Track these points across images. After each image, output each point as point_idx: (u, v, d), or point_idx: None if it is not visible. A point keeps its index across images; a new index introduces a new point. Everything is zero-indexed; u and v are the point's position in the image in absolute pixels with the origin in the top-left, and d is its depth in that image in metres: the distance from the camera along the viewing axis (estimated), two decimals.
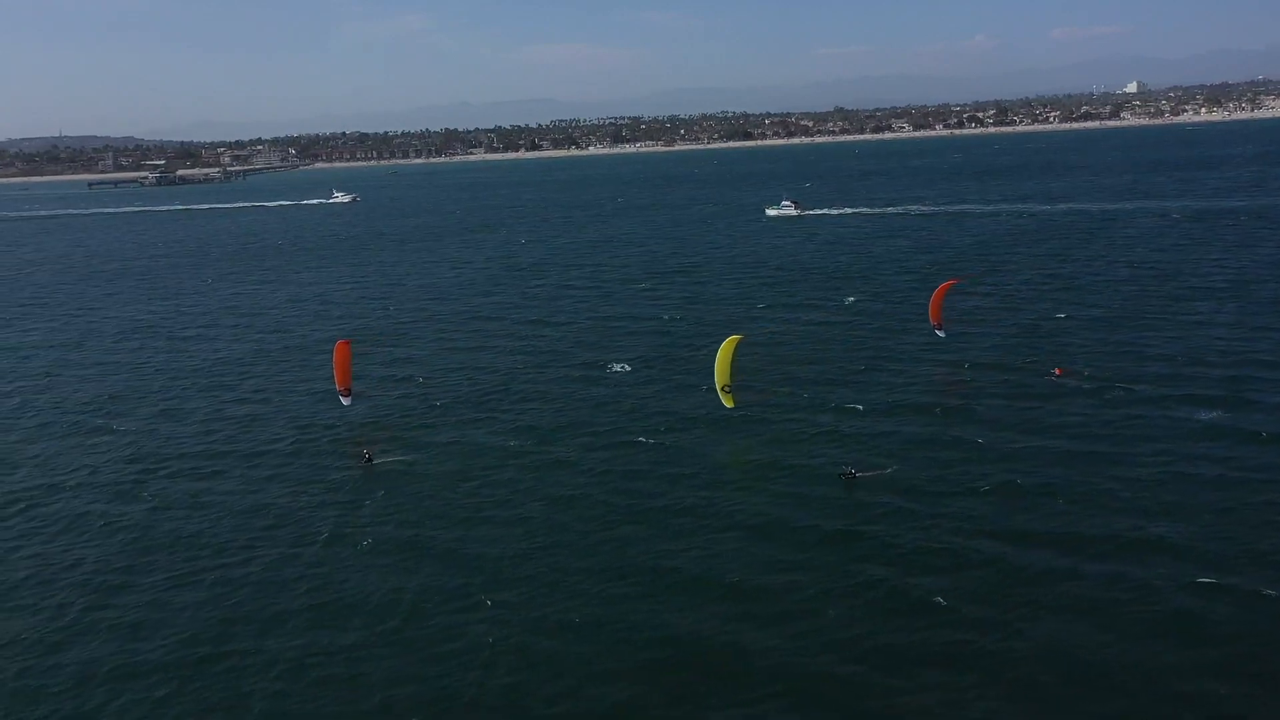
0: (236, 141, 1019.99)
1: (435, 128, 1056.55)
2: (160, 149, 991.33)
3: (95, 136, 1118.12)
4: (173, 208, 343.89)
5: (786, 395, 65.68)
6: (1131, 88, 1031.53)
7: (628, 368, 76.44)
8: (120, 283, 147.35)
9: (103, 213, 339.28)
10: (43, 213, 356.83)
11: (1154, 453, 52.38)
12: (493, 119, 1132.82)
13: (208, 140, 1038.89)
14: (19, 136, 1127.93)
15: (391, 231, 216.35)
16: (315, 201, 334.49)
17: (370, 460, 57.36)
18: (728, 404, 60.01)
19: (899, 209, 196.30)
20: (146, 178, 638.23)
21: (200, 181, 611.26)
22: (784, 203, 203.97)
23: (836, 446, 55.93)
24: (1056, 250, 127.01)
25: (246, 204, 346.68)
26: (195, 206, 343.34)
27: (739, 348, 60.15)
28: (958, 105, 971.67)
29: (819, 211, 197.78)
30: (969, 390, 65.43)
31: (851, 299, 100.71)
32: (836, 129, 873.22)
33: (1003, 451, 53.53)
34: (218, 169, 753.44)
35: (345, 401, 65.45)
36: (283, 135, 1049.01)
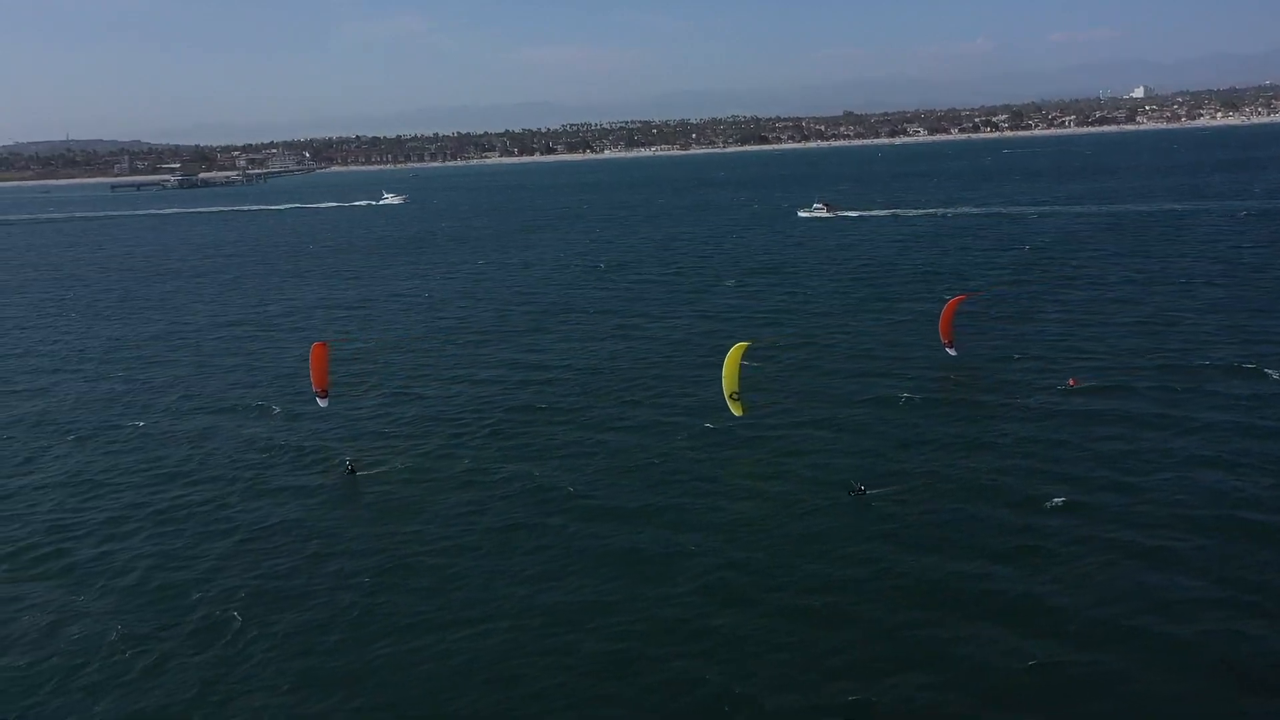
0: (249, 145, 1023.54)
1: (434, 130, 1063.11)
2: (174, 152, 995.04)
3: (102, 140, 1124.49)
4: (215, 209, 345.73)
5: (796, 405, 64.35)
6: (1139, 92, 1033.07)
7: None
8: (269, 278, 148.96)
9: (151, 214, 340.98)
10: (82, 215, 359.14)
11: (1179, 464, 50.93)
12: (493, 122, 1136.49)
13: (211, 143, 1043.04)
14: (26, 140, 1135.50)
15: (456, 233, 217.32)
16: (364, 203, 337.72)
17: (353, 470, 56.34)
18: (736, 412, 58.19)
19: (952, 210, 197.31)
20: (169, 181, 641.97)
21: (222, 184, 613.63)
22: (815, 205, 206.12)
23: (847, 459, 54.39)
24: (1137, 247, 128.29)
25: (293, 205, 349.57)
26: (241, 208, 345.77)
27: (746, 353, 58.76)
28: (967, 109, 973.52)
29: (854, 213, 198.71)
30: (991, 402, 63.66)
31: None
32: (850, 133, 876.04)
33: (1020, 468, 51.72)
34: (236, 172, 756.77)
35: (322, 404, 63.98)
36: (286, 138, 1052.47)
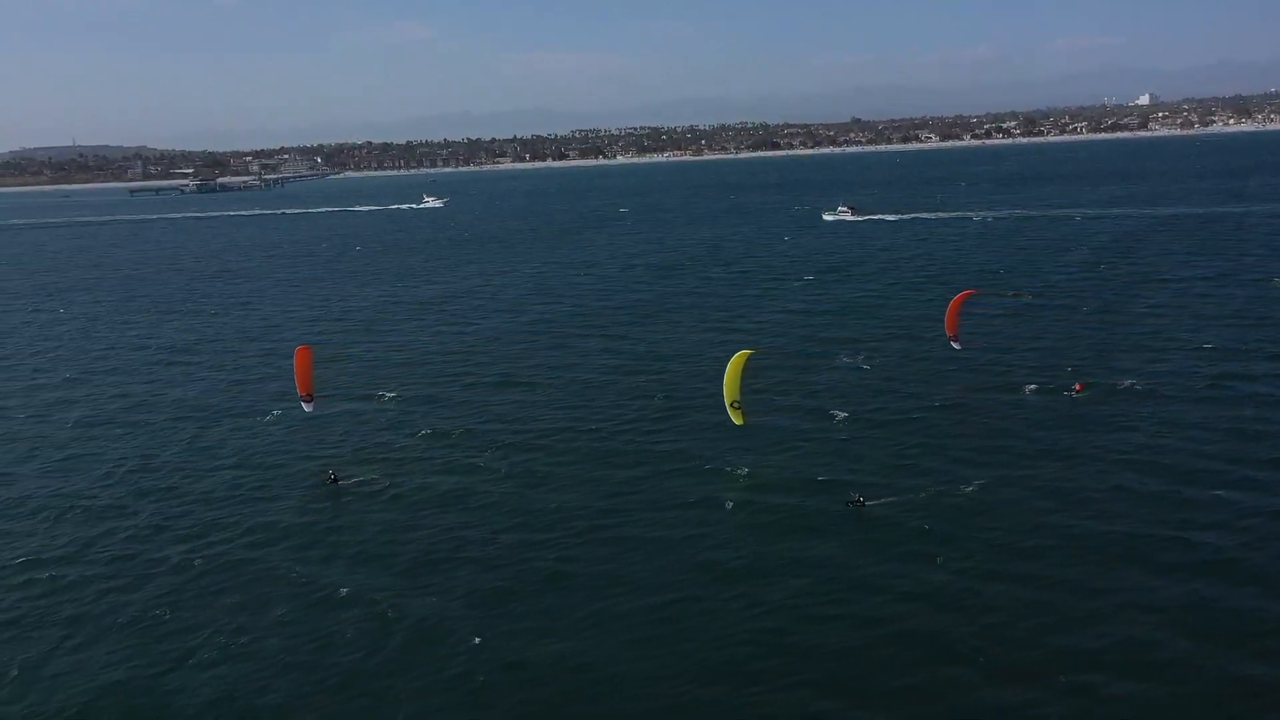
0: (261, 150, 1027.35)
1: (441, 137, 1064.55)
2: (186, 157, 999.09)
3: (109, 145, 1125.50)
4: (252, 213, 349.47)
5: (795, 414, 63.95)
6: (1145, 99, 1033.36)
7: (854, 360, 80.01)
8: (342, 277, 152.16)
9: (186, 217, 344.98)
10: (118, 217, 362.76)
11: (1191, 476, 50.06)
12: (496, 128, 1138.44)
13: (216, 148, 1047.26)
14: (34, 145, 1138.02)
15: (501, 234, 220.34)
16: (405, 206, 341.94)
17: (336, 480, 55.31)
18: (737, 421, 56.82)
19: (991, 213, 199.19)
20: (187, 185, 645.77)
21: (240, 189, 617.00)
22: (840, 208, 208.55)
23: (845, 469, 53.67)
24: (1202, 247, 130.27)
25: (334, 208, 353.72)
26: (279, 211, 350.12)
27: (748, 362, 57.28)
28: (976, 115, 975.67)
29: (893, 217, 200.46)
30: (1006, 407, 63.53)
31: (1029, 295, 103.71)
32: (863, 139, 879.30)
33: (1018, 477, 50.96)
34: (252, 176, 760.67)
35: (307, 408, 62.46)
36: (287, 144, 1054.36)
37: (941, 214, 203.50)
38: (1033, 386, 66.75)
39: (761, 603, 39.80)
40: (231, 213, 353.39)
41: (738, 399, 56.50)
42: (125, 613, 41.84)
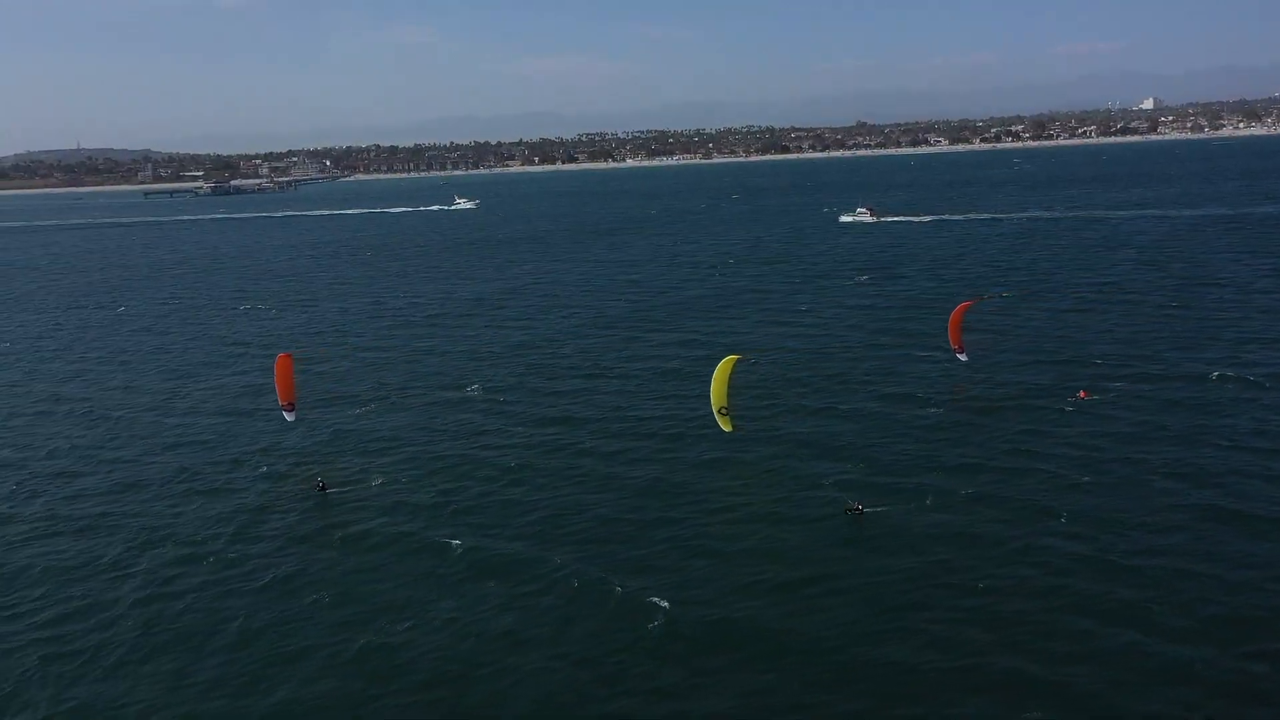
0: (270, 152, 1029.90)
1: (449, 140, 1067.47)
2: (195, 160, 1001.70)
3: (113, 148, 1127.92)
4: (282, 214, 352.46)
5: (791, 418, 62.70)
6: (1149, 104, 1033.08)
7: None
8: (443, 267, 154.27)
9: (213, 218, 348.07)
10: (150, 218, 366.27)
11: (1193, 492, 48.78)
12: (499, 132, 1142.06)
13: (220, 151, 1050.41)
14: (39, 149, 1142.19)
15: (537, 234, 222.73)
16: (436, 207, 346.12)
17: (324, 489, 54.22)
18: (725, 428, 55.51)
19: (1022, 214, 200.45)
20: (201, 187, 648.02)
21: (254, 191, 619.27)
22: (859, 210, 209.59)
23: (844, 476, 52.44)
24: (1254, 246, 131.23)
25: (360, 210, 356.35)
26: (306, 213, 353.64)
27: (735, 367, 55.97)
28: (984, 119, 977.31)
29: (898, 219, 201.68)
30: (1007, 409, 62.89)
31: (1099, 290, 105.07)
32: (871, 143, 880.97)
33: (1022, 485, 50.25)
34: (265, 179, 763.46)
35: (289, 418, 61.69)
36: (289, 147, 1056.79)
37: (971, 215, 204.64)
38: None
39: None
40: (263, 215, 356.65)
41: (725, 405, 55.10)
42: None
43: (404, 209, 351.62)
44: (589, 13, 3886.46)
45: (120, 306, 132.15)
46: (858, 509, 47.34)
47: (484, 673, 36.00)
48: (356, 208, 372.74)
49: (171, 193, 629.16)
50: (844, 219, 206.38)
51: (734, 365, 55.31)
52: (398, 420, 67.76)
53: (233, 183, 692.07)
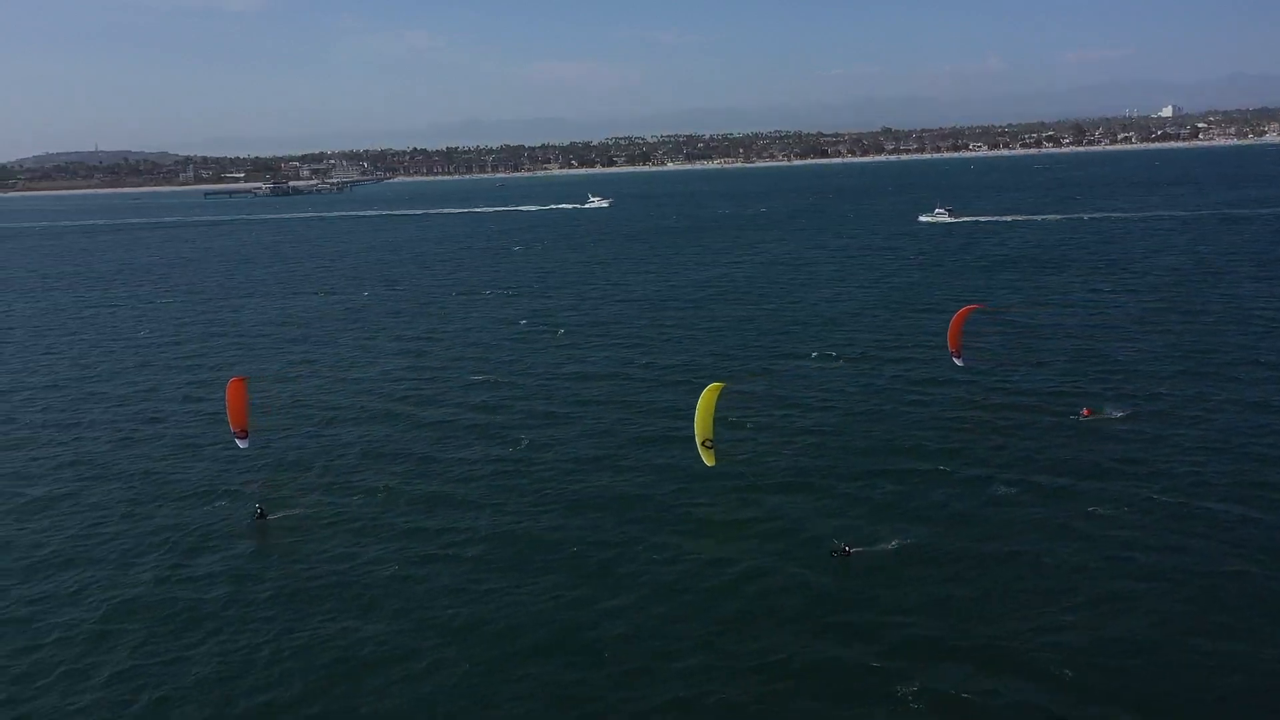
0: (308, 154, 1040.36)
1: (445, 144, 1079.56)
2: (235, 163, 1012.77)
3: (130, 151, 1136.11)
4: (376, 213, 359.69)
5: (777, 448, 58.47)
6: (1167, 111, 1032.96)
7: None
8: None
9: (302, 217, 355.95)
10: (235, 218, 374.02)
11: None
12: (503, 137, 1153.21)
13: (225, 154, 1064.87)
14: (56, 150, 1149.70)
15: (681, 227, 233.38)
16: (570, 206, 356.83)
17: (263, 515, 51.54)
18: (708, 462, 50.95)
19: (1137, 213, 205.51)
20: (260, 188, 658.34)
21: (312, 193, 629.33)
22: (937, 210, 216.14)
23: (829, 514, 48.85)
24: None
25: (457, 209, 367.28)
26: (398, 212, 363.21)
27: (721, 396, 51.17)
28: (1000, 126, 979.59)
29: (980, 219, 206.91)
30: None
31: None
32: (910, 148, 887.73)
33: (1023, 519, 47.44)
34: (319, 180, 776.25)
35: (241, 445, 56.98)
36: (291, 152, 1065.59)
37: (1082, 215, 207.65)
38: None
39: None
40: (358, 213, 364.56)
41: (710, 437, 50.29)
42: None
43: (536, 207, 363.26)
44: (593, 19, 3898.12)
45: (365, 291, 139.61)
46: (844, 550, 44.21)
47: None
48: (443, 208, 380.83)
49: (230, 194, 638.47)
50: (923, 219, 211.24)
51: (718, 394, 50.38)
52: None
53: (290, 184, 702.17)
